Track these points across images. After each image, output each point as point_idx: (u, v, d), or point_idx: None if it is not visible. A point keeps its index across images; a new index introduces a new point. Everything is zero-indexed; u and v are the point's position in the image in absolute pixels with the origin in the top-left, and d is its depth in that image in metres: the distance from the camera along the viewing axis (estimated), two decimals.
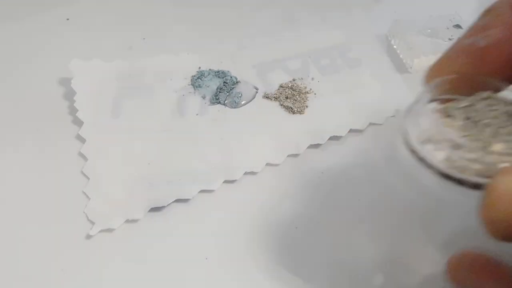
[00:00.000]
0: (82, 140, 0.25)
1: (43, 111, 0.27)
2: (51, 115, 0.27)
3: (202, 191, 0.23)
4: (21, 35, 0.32)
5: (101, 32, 0.32)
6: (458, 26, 0.30)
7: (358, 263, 0.20)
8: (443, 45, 0.28)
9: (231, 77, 0.28)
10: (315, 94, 0.27)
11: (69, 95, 0.27)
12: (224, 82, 0.28)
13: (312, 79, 0.28)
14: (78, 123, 0.26)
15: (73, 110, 0.26)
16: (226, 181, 0.23)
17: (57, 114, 0.27)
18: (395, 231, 0.21)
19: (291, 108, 0.26)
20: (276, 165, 0.24)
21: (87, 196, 0.23)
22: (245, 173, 0.23)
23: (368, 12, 0.34)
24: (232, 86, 0.28)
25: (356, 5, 0.34)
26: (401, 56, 0.30)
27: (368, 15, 0.34)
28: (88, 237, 0.21)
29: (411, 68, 0.29)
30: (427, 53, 0.28)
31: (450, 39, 0.29)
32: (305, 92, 0.27)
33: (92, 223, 0.21)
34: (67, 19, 0.33)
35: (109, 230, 0.21)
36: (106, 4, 0.34)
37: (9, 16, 0.33)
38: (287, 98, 0.27)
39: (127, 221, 0.22)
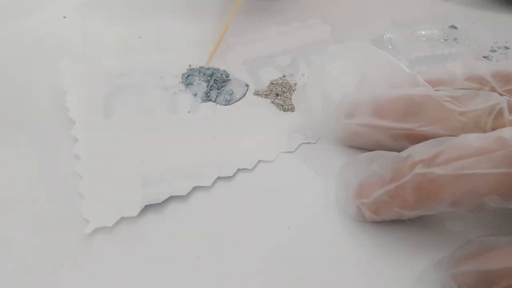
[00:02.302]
0: (75, 139, 0.25)
1: (37, 109, 0.27)
2: (44, 114, 0.27)
3: (198, 188, 0.23)
4: (17, 33, 0.32)
5: (97, 30, 0.32)
6: (453, 27, 0.30)
7: (354, 261, 0.20)
8: (439, 46, 0.29)
9: (221, 74, 0.29)
10: None
11: (62, 94, 0.27)
12: (215, 80, 0.28)
13: (302, 75, 0.29)
14: (71, 122, 0.26)
15: (65, 109, 0.26)
16: (222, 178, 0.23)
17: (50, 113, 0.27)
18: (388, 230, 0.21)
19: (282, 105, 0.27)
20: (270, 161, 0.24)
21: (82, 195, 0.23)
22: (239, 170, 0.24)
23: (364, 12, 0.34)
24: (223, 84, 0.28)
25: (353, 5, 0.35)
26: (396, 56, 0.30)
27: (365, 15, 0.34)
28: (83, 235, 0.21)
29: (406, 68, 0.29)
30: (422, 53, 0.29)
31: (445, 40, 0.29)
32: (295, 89, 0.28)
33: (87, 221, 0.22)
34: (64, 17, 0.33)
35: (104, 228, 0.21)
36: (103, 2, 0.34)
37: (5, 14, 0.33)
38: (277, 95, 0.27)
39: (122, 218, 0.22)
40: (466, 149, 0.18)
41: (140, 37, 0.32)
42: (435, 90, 0.22)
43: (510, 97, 0.21)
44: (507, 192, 0.17)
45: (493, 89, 0.22)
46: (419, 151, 0.19)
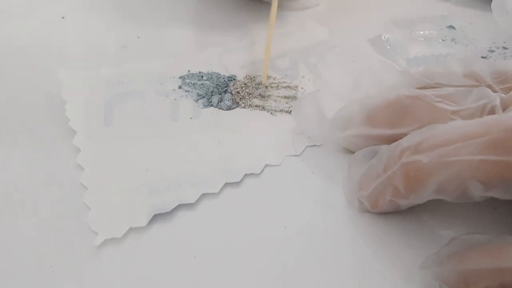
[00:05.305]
0: (77, 149, 0.25)
1: (38, 114, 0.27)
2: (43, 119, 0.26)
3: (206, 195, 0.23)
4: (16, 33, 0.32)
5: (96, 30, 0.32)
6: (451, 27, 0.30)
7: (352, 262, 0.20)
8: (437, 46, 0.29)
9: (223, 79, 0.28)
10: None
11: (61, 97, 0.27)
12: (217, 84, 0.28)
13: (303, 77, 0.29)
14: (72, 131, 0.25)
15: (66, 118, 0.26)
16: (229, 184, 0.23)
17: (49, 118, 0.26)
18: (388, 228, 0.21)
19: (284, 109, 0.27)
20: (276, 166, 0.24)
21: (88, 206, 0.22)
22: (246, 175, 0.23)
23: (362, 12, 0.34)
24: (225, 88, 0.28)
25: (351, 5, 0.35)
26: (394, 56, 0.30)
27: (363, 15, 0.34)
28: (93, 247, 0.21)
29: (403, 68, 0.29)
30: (420, 54, 0.29)
31: (443, 40, 0.29)
32: (295, 91, 0.28)
33: (95, 233, 0.21)
34: (63, 18, 0.33)
35: (114, 239, 0.21)
36: (102, 2, 0.34)
37: (3, 14, 0.33)
38: (279, 97, 0.27)
39: (131, 229, 0.21)
40: (450, 135, 0.18)
41: (138, 37, 0.32)
42: (427, 90, 0.22)
43: (503, 94, 0.21)
44: (488, 178, 0.17)
45: (490, 87, 0.22)
46: (408, 139, 0.19)
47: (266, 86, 0.28)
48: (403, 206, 0.20)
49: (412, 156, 0.18)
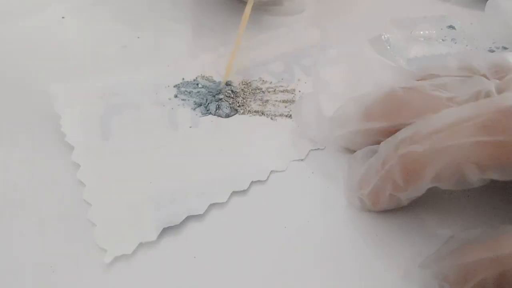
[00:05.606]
0: (76, 165, 0.24)
1: (38, 114, 0.26)
2: (45, 120, 0.26)
3: (213, 205, 0.22)
4: (16, 33, 0.32)
5: (96, 30, 0.32)
6: (451, 27, 0.30)
7: (352, 261, 0.20)
8: (437, 46, 0.29)
9: (214, 84, 0.28)
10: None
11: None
12: (209, 91, 0.28)
13: (299, 80, 0.29)
14: (70, 146, 0.25)
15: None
16: (236, 192, 0.23)
17: (51, 120, 0.26)
18: (388, 228, 0.22)
19: (283, 113, 0.27)
20: (282, 171, 0.24)
21: (93, 223, 0.22)
22: (252, 182, 0.23)
23: (362, 12, 0.34)
24: (219, 95, 0.27)
25: (351, 5, 0.35)
26: (394, 56, 0.30)
27: (363, 15, 0.34)
28: (103, 265, 0.20)
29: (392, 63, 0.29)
30: (420, 54, 0.29)
31: (443, 40, 0.30)
32: (293, 95, 0.28)
33: (104, 250, 0.21)
34: (63, 18, 0.33)
35: (124, 255, 0.21)
36: (102, 2, 0.34)
37: (3, 14, 0.33)
38: (277, 102, 0.27)
39: (141, 244, 0.21)
40: (444, 121, 0.18)
41: (138, 37, 0.32)
42: (422, 81, 0.22)
43: (498, 81, 0.21)
44: (482, 160, 0.17)
45: (484, 77, 0.22)
46: (403, 131, 0.19)
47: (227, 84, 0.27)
48: (403, 200, 0.20)
49: (408, 146, 0.19)
